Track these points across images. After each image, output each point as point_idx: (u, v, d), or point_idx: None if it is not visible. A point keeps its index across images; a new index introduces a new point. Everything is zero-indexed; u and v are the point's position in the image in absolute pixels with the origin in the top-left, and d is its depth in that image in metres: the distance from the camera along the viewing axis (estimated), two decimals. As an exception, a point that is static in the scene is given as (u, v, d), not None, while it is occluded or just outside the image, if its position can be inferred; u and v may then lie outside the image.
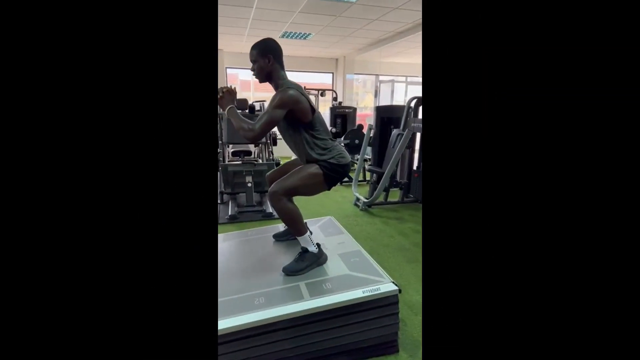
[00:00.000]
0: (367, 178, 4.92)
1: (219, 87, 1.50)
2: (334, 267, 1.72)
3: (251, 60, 1.65)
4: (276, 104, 1.53)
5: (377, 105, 6.48)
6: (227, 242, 2.14)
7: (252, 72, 1.67)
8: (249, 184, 3.53)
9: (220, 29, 5.15)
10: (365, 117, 7.80)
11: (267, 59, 1.62)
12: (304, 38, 5.21)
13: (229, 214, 3.38)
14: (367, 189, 4.49)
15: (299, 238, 1.74)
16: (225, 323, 1.29)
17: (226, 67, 6.75)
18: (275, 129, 2.03)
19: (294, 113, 1.59)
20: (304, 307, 1.38)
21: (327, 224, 2.33)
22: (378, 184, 3.74)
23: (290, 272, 1.67)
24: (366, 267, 1.67)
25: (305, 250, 1.72)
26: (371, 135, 4.14)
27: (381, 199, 3.81)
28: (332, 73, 7.48)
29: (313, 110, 1.66)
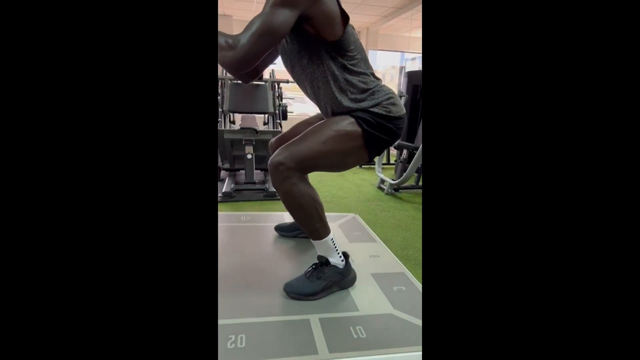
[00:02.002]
0: (392, 160, 4.17)
1: None
2: (367, 296, 1.02)
3: None
4: None
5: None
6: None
7: None
8: (249, 156, 2.86)
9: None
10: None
11: None
12: (323, -3, 4.49)
13: (223, 190, 2.72)
14: (392, 172, 3.76)
15: (315, 243, 1.01)
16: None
17: (236, 38, 6.12)
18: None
19: (310, 23, 0.85)
20: None
21: (351, 224, 1.59)
22: (408, 163, 3.01)
23: (298, 294, 0.97)
24: (420, 304, 0.97)
25: (324, 262, 1.01)
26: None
27: (411, 181, 3.07)
28: (353, 48, 6.73)
29: (345, 19, 0.90)
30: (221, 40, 0.80)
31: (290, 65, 1.01)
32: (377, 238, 1.45)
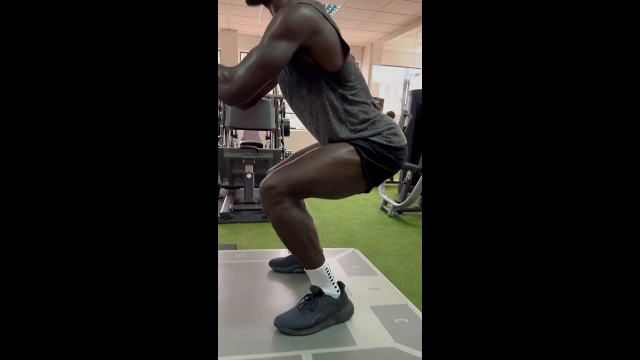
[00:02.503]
0: (396, 179, 4.09)
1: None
2: (366, 329, 0.95)
3: None
4: (276, 30, 0.77)
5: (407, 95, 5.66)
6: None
7: None
8: (249, 176, 2.80)
9: (233, 9, 4.55)
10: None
11: None
12: (329, 13, 4.49)
13: (221, 211, 2.64)
14: (395, 191, 3.68)
15: (309, 272, 0.96)
16: None
17: (240, 52, 6.14)
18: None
19: (309, 54, 0.83)
20: None
21: (350, 257, 1.51)
22: (413, 184, 2.92)
23: (289, 328, 0.90)
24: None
25: (317, 293, 0.95)
26: (405, 124, 3.32)
27: (416, 203, 2.98)
28: (358, 63, 6.74)
29: (346, 50, 0.88)
30: (218, 73, 0.77)
31: (289, 95, 0.98)
32: (377, 271, 1.37)
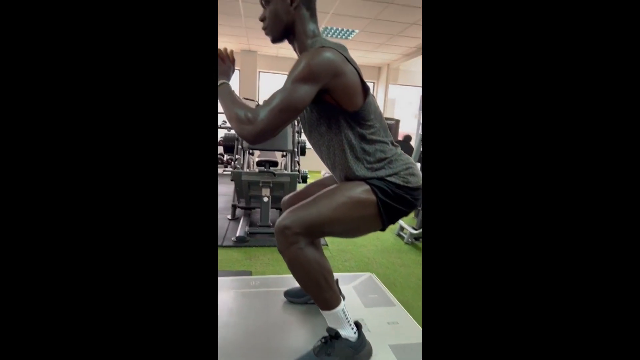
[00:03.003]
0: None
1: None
2: None
3: (261, 3, 0.93)
4: (300, 74, 0.80)
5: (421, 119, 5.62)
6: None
7: (262, 25, 0.94)
8: (266, 199, 2.81)
9: (254, 32, 4.70)
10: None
11: None
12: (347, 37, 4.58)
13: (237, 234, 2.66)
14: (412, 214, 3.63)
15: (324, 313, 0.95)
16: None
17: (259, 71, 6.30)
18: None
19: (330, 94, 0.86)
20: None
21: (367, 284, 1.48)
22: (430, 210, 2.88)
23: None
24: None
25: (334, 335, 0.93)
26: (422, 149, 3.30)
27: (433, 230, 2.93)
28: (374, 82, 6.80)
29: (366, 91, 0.90)
30: (240, 114, 0.81)
31: (308, 131, 1.01)
32: (395, 301, 1.34)
